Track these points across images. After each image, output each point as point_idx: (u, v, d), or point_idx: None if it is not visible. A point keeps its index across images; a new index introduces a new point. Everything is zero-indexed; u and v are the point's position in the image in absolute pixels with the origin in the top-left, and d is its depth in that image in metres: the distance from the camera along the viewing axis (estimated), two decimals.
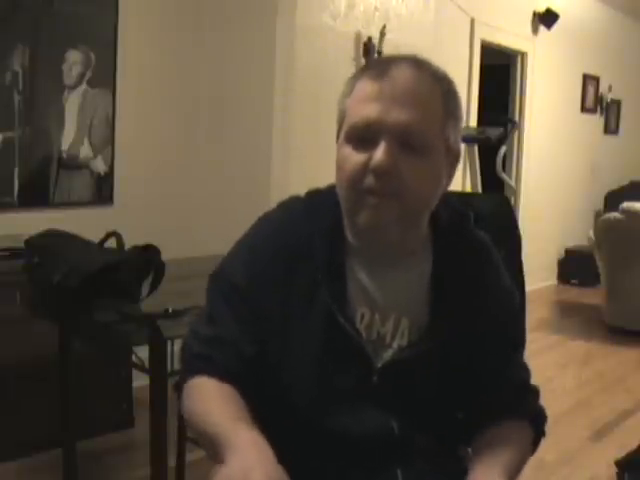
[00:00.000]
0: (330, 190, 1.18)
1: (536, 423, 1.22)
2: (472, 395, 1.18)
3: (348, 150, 1.10)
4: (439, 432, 1.15)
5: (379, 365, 1.13)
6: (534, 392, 1.26)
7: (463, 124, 1.20)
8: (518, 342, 1.27)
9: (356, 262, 1.15)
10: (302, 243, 1.14)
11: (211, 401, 1.08)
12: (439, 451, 1.12)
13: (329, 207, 1.16)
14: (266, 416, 1.10)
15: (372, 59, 1.14)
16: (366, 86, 1.09)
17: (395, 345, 1.14)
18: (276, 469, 0.93)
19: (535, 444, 1.23)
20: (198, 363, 1.13)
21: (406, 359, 1.13)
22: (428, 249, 1.19)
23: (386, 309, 1.15)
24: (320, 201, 1.19)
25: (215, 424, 1.03)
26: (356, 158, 1.08)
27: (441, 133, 1.10)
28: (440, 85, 1.12)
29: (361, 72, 1.14)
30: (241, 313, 1.14)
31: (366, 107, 1.08)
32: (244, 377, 1.11)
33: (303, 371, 1.11)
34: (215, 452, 1.00)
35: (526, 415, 1.21)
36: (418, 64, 1.12)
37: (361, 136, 1.08)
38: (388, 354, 1.14)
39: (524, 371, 1.26)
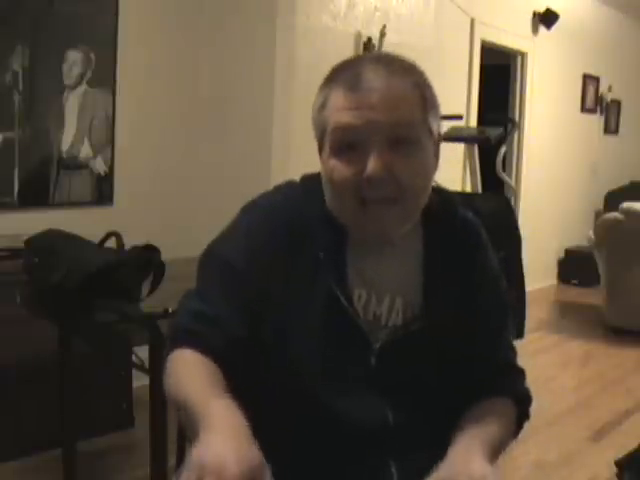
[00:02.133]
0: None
1: (520, 403, 1.23)
2: (462, 376, 1.19)
3: (336, 162, 1.09)
4: (435, 422, 1.15)
5: (377, 346, 1.14)
6: (520, 373, 1.27)
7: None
8: (505, 323, 1.28)
9: (352, 245, 1.17)
10: (302, 224, 1.15)
11: (192, 373, 1.06)
12: (434, 442, 1.11)
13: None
14: (259, 397, 1.09)
15: (337, 65, 1.14)
16: (342, 97, 1.09)
17: (390, 325, 1.16)
18: (251, 452, 0.89)
19: (519, 426, 1.23)
20: (185, 337, 1.12)
21: (401, 339, 1.14)
22: (420, 231, 1.21)
23: (381, 290, 1.16)
24: (316, 185, 1.19)
25: (192, 396, 1.01)
26: (347, 170, 1.08)
27: (424, 123, 1.12)
28: (413, 77, 1.13)
29: (330, 81, 1.13)
30: (234, 293, 1.12)
31: (346, 118, 1.07)
32: (229, 356, 1.09)
33: (304, 351, 1.11)
34: (191, 424, 0.98)
35: (510, 394, 1.22)
36: (387, 62, 1.12)
37: (348, 145, 1.08)
38: (384, 334, 1.15)
39: (510, 352, 1.27)
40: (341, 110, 1.08)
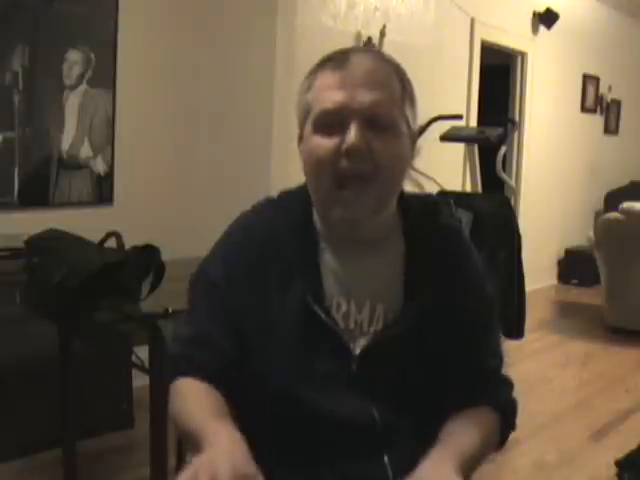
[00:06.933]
0: (299, 188, 1.22)
1: (503, 413, 1.21)
2: (446, 380, 1.18)
3: (317, 139, 1.13)
4: (422, 419, 1.14)
5: (357, 353, 1.14)
6: (504, 382, 1.25)
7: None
8: (489, 329, 1.26)
9: (328, 252, 1.18)
10: (272, 240, 1.18)
11: (191, 401, 1.11)
12: (424, 436, 1.11)
13: (298, 202, 1.20)
14: (251, 408, 1.13)
15: (327, 54, 1.24)
16: (328, 77, 1.14)
17: (372, 331, 1.16)
18: (245, 461, 0.94)
19: (503, 436, 1.22)
20: (179, 364, 1.17)
21: (382, 343, 1.15)
22: (399, 236, 1.22)
23: (361, 297, 1.17)
24: (289, 198, 1.23)
25: (194, 423, 1.06)
26: (328, 144, 1.11)
27: (402, 113, 1.16)
28: (396, 70, 1.18)
29: (318, 67, 1.18)
30: (220, 310, 1.16)
31: (332, 94, 1.12)
32: (224, 373, 1.13)
33: (283, 363, 1.13)
34: (196, 450, 1.02)
35: (491, 403, 1.20)
36: (373, 52, 1.19)
37: (330, 122, 1.12)
38: (365, 341, 1.15)
39: (495, 359, 1.25)
40: (327, 88, 1.13)
